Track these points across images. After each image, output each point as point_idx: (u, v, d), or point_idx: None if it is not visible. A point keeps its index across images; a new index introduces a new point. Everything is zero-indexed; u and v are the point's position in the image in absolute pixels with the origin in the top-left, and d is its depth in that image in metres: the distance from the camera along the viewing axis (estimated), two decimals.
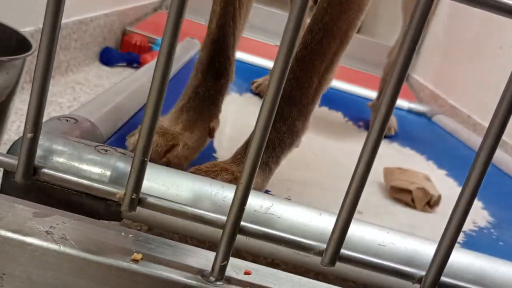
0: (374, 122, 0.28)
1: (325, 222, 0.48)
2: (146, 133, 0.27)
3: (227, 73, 0.73)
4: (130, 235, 0.32)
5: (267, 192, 0.73)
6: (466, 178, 0.31)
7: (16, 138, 0.97)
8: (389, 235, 0.48)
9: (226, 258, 0.30)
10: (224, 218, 0.30)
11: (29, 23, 1.13)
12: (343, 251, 0.31)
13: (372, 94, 1.52)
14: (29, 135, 0.28)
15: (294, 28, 0.27)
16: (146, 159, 0.28)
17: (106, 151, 0.48)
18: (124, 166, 0.47)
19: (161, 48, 0.25)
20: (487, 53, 1.90)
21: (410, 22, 0.26)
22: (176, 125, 0.67)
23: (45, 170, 0.29)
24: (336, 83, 1.53)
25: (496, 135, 0.28)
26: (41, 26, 0.28)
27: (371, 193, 0.85)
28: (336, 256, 0.30)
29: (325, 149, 1.06)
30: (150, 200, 0.30)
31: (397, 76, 0.27)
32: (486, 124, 1.65)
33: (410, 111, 1.59)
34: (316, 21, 0.68)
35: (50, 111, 1.12)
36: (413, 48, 0.26)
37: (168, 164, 0.62)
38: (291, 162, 0.90)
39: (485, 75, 1.87)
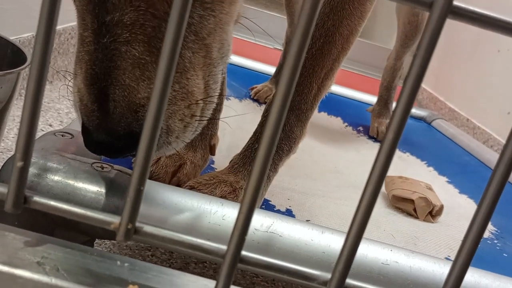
0: (379, 152, 0.26)
1: (328, 241, 0.46)
2: (142, 161, 0.26)
3: (221, 90, 0.72)
4: (126, 264, 0.31)
5: (266, 201, 0.72)
6: (480, 201, 0.29)
7: (14, 146, 0.96)
8: (393, 253, 0.47)
9: None
10: (224, 247, 0.28)
11: (27, 30, 1.12)
12: (348, 280, 0.29)
13: (372, 98, 1.50)
14: (19, 164, 0.26)
15: (301, 41, 0.26)
16: (142, 188, 0.27)
17: (102, 168, 0.46)
18: (120, 184, 0.46)
19: (155, 85, 0.24)
20: (485, 56, 1.89)
21: (420, 41, 0.25)
22: None
23: (36, 199, 0.28)
24: (335, 88, 1.52)
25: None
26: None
27: None
28: (341, 287, 0.29)
29: (325, 156, 1.05)
30: (147, 229, 0.28)
31: (409, 91, 0.26)
32: (485, 127, 1.65)
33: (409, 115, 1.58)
34: (317, 26, 0.68)
35: (48, 118, 1.11)
36: (425, 66, 0.25)
37: (179, 183, 0.62)
38: (291, 171, 0.89)
39: (484, 78, 1.86)
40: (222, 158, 0.82)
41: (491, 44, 1.85)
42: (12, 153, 0.86)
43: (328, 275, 0.30)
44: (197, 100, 0.42)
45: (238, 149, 0.70)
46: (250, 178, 0.26)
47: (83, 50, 0.38)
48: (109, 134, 0.38)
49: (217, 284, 0.29)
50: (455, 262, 0.30)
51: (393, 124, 0.25)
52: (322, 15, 0.68)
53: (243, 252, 0.29)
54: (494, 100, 1.75)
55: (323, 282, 0.30)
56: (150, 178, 0.59)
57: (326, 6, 0.68)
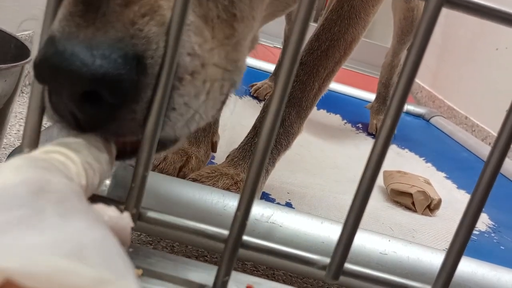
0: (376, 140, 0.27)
1: (327, 231, 0.47)
2: (148, 147, 0.27)
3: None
4: (130, 249, 0.31)
5: (266, 195, 0.73)
6: (474, 189, 0.30)
7: (16, 142, 0.97)
8: (391, 243, 0.48)
9: (228, 273, 0.29)
10: (226, 232, 0.29)
11: (28, 27, 1.12)
12: (347, 265, 0.30)
13: (370, 96, 1.51)
14: (26, 150, 0.27)
15: (297, 40, 0.26)
16: (146, 173, 0.27)
17: None
18: (123, 174, 0.46)
19: (161, 76, 0.24)
20: (483, 54, 1.90)
21: (417, 30, 0.26)
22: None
23: None
24: (335, 86, 1.53)
25: (503, 147, 0.28)
26: (39, 30, 0.27)
27: (371, 196, 0.84)
28: (340, 271, 0.30)
29: (324, 152, 1.06)
30: (151, 214, 0.29)
31: (403, 87, 0.27)
32: (483, 125, 1.65)
33: (407, 113, 1.59)
34: (324, 30, 0.74)
35: None
36: (419, 59, 0.26)
37: (184, 177, 0.64)
38: (291, 165, 0.90)
39: (482, 76, 1.87)
40: (223, 153, 0.83)
41: (489, 42, 1.86)
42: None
43: (327, 260, 0.30)
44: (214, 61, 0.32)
45: (237, 145, 0.71)
46: (252, 160, 0.27)
47: None
48: (85, 46, 0.25)
49: (219, 269, 0.30)
50: (449, 250, 0.31)
51: (391, 109, 0.26)
52: (330, 21, 0.74)
53: (245, 237, 0.29)
54: (492, 98, 1.75)
55: (322, 267, 0.30)
56: None
57: (334, 13, 0.74)
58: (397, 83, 0.27)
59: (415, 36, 0.25)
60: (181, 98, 0.29)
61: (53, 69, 0.25)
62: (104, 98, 0.25)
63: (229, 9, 0.33)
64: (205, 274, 0.31)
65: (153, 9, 0.27)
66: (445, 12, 0.26)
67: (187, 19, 0.27)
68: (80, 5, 0.26)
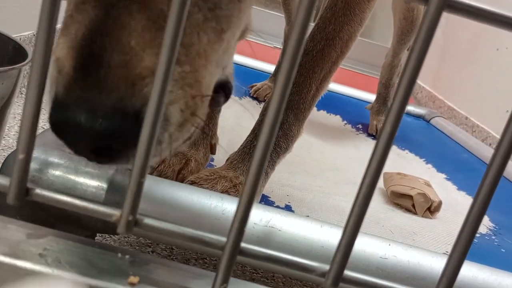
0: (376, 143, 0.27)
1: (326, 235, 0.47)
2: (143, 153, 0.26)
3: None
4: (127, 256, 0.31)
5: (265, 197, 0.72)
6: (475, 195, 0.30)
7: (15, 143, 0.97)
8: (391, 247, 0.48)
9: (226, 281, 0.29)
10: (224, 239, 0.29)
11: (27, 28, 1.12)
12: (346, 272, 0.30)
13: (371, 96, 1.51)
14: (21, 156, 0.27)
15: (298, 39, 0.26)
16: (143, 180, 0.27)
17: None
18: (121, 179, 0.46)
19: (158, 68, 0.24)
20: (484, 55, 1.89)
21: (417, 34, 0.25)
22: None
23: (38, 191, 0.28)
24: (334, 86, 1.52)
25: (506, 152, 0.27)
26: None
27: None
28: (339, 278, 0.29)
29: (324, 153, 1.06)
30: (147, 221, 0.29)
31: (403, 89, 0.26)
32: (484, 125, 1.65)
33: (408, 113, 1.58)
34: (319, 30, 0.71)
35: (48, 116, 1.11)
36: (421, 59, 0.25)
37: (183, 180, 0.63)
38: (290, 167, 0.90)
39: (482, 77, 1.87)
40: (222, 155, 0.83)
41: (489, 43, 1.86)
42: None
43: (326, 267, 0.30)
44: (203, 95, 0.34)
45: (237, 147, 0.71)
46: (250, 167, 0.26)
47: (76, 9, 0.29)
48: (91, 109, 0.28)
49: (216, 276, 0.29)
50: (451, 255, 0.31)
51: (392, 111, 0.25)
52: (324, 19, 0.72)
53: (243, 244, 0.29)
54: (492, 98, 1.75)
55: (321, 274, 0.30)
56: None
57: (328, 11, 0.72)
58: (397, 88, 0.26)
59: (415, 41, 0.25)
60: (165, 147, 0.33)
61: (67, 133, 0.30)
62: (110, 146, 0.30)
63: (217, 27, 0.35)
64: (203, 281, 0.31)
65: (153, 72, 0.29)
66: (446, 13, 0.26)
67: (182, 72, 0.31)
68: (80, 71, 0.29)
